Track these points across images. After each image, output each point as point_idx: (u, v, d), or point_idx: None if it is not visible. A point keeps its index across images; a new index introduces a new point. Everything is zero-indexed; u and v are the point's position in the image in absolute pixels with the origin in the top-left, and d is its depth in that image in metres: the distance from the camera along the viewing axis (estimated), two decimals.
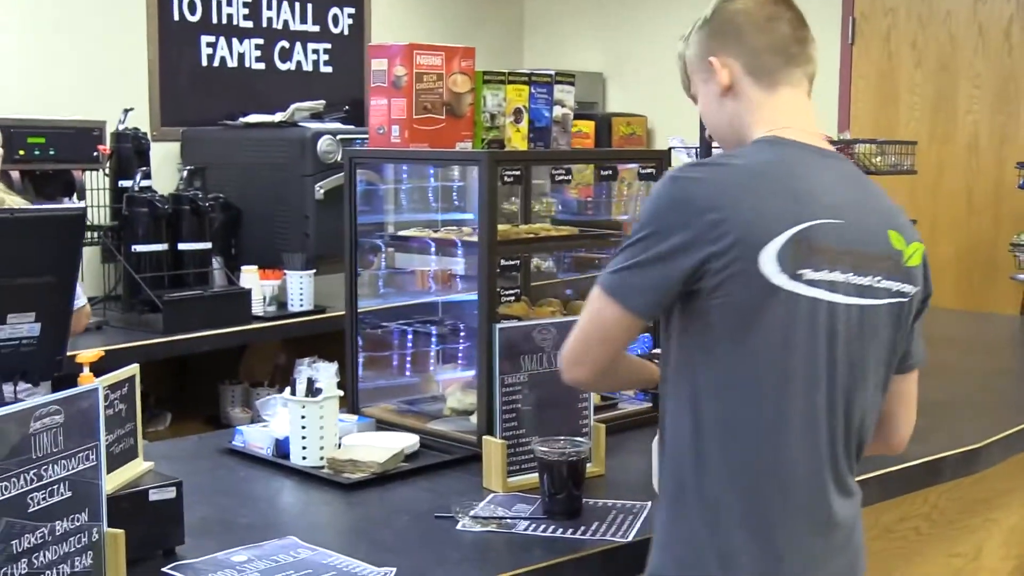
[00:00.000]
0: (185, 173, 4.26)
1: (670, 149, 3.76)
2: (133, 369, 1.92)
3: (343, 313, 4.11)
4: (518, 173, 2.43)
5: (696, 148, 3.49)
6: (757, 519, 1.68)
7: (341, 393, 2.40)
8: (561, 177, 2.60)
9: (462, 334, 2.81)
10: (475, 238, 2.48)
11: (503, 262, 2.42)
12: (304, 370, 2.36)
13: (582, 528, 2.02)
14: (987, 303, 5.12)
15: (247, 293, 4.10)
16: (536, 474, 2.13)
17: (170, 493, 1.86)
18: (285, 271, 4.22)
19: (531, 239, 2.64)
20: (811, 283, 1.67)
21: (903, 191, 4.88)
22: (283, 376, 4.56)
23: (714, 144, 1.96)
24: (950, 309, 4.92)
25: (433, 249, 2.76)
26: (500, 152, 2.54)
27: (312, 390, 2.33)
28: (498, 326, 2.23)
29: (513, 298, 2.53)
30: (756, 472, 1.68)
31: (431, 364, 2.94)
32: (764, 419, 1.68)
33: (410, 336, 2.95)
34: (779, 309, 1.66)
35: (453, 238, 2.62)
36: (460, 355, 2.84)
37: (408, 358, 2.97)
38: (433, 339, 2.90)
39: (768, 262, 1.64)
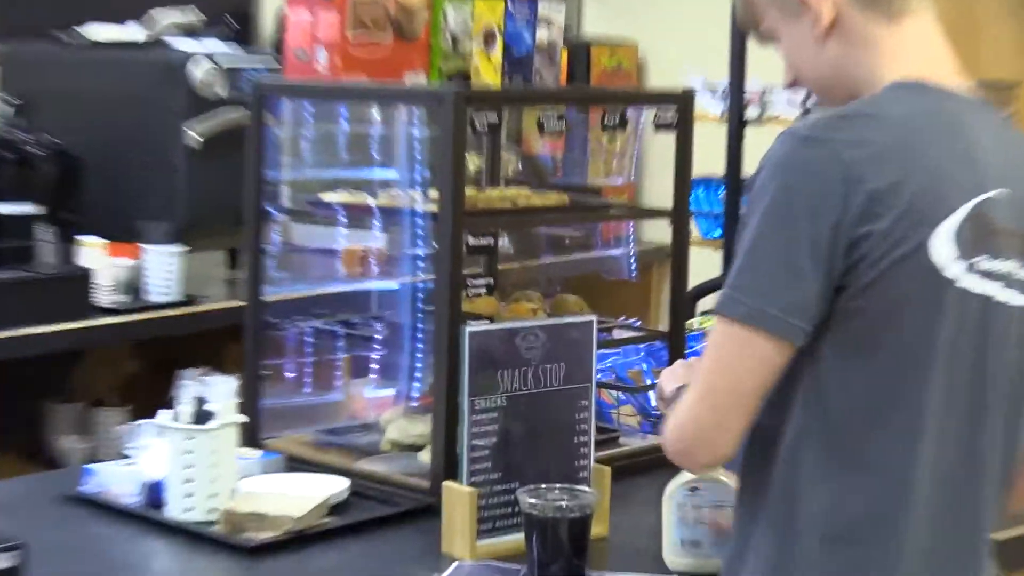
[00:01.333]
0: (5, 106, 4.18)
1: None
2: None
3: (225, 305, 4.14)
4: (494, 119, 2.40)
5: (725, 88, 3.48)
6: None
7: (243, 419, 2.36)
8: (552, 126, 2.57)
9: (382, 336, 2.78)
10: (430, 207, 2.45)
11: (471, 240, 2.37)
12: (189, 386, 2.31)
13: None
14: None
15: (88, 276, 4.01)
16: (520, 535, 2.10)
17: (9, 561, 1.80)
18: (143, 246, 4.14)
19: (509, 210, 2.61)
20: (987, 275, 1.69)
21: None
22: (136, 393, 4.48)
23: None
24: None
25: (344, 219, 2.73)
26: (472, 89, 2.52)
27: (201, 414, 2.28)
28: (468, 329, 2.19)
29: (484, 290, 2.48)
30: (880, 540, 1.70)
31: (338, 377, 2.90)
32: (893, 463, 1.69)
33: (315, 339, 2.90)
34: (948, 312, 1.67)
35: (402, 206, 2.57)
36: (378, 366, 2.80)
37: (310, 368, 2.93)
38: (342, 342, 2.86)
39: (943, 245, 1.65)
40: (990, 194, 1.69)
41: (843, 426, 1.69)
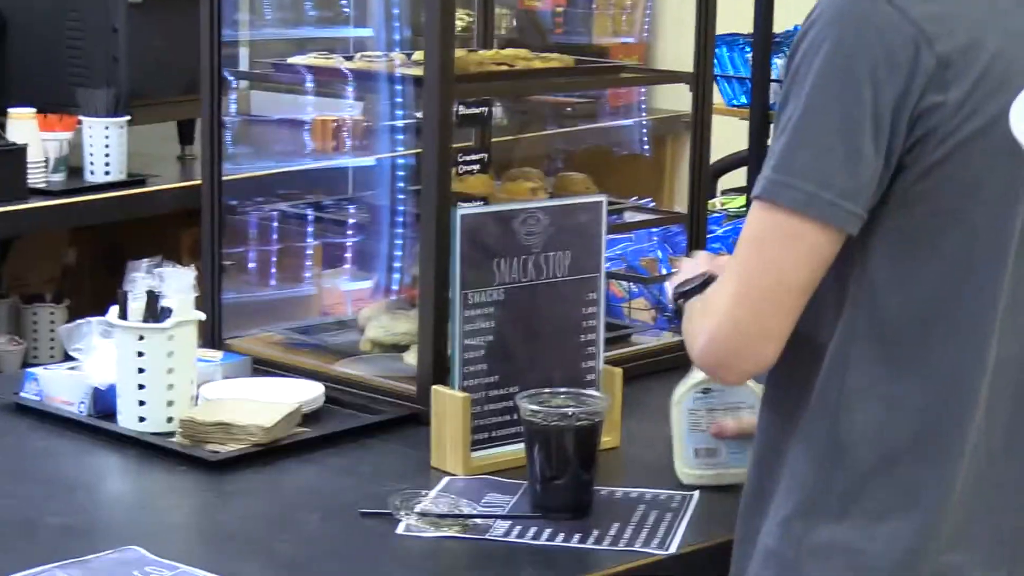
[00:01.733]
0: None
1: None
2: None
3: (177, 186, 4.13)
4: None
5: None
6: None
7: (201, 316, 2.36)
8: None
9: (356, 221, 2.81)
10: (414, 70, 2.42)
11: (462, 110, 2.36)
12: (140, 279, 2.31)
13: (595, 533, 2.00)
14: None
15: (18, 153, 3.99)
16: (519, 447, 2.12)
17: None
18: (81, 118, 4.12)
19: (505, 72, 2.59)
20: None
21: None
22: (76, 286, 4.49)
23: None
24: None
25: (311, 85, 2.72)
26: None
27: (155, 310, 2.28)
28: (459, 211, 2.19)
29: (477, 167, 2.48)
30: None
31: (307, 268, 2.91)
32: (968, 374, 1.69)
33: (280, 226, 2.91)
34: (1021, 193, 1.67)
35: (378, 70, 2.55)
36: (352, 254, 2.81)
37: (274, 258, 2.94)
38: (312, 228, 2.87)
39: (1021, 117, 1.61)
40: None
41: (899, 327, 1.69)
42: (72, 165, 4.13)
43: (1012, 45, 1.65)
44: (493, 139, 2.98)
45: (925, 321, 1.68)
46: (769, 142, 1.77)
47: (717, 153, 2.94)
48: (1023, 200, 1.67)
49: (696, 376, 2.13)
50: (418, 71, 2.38)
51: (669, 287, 1.99)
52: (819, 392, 1.72)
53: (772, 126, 1.74)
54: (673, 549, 1.96)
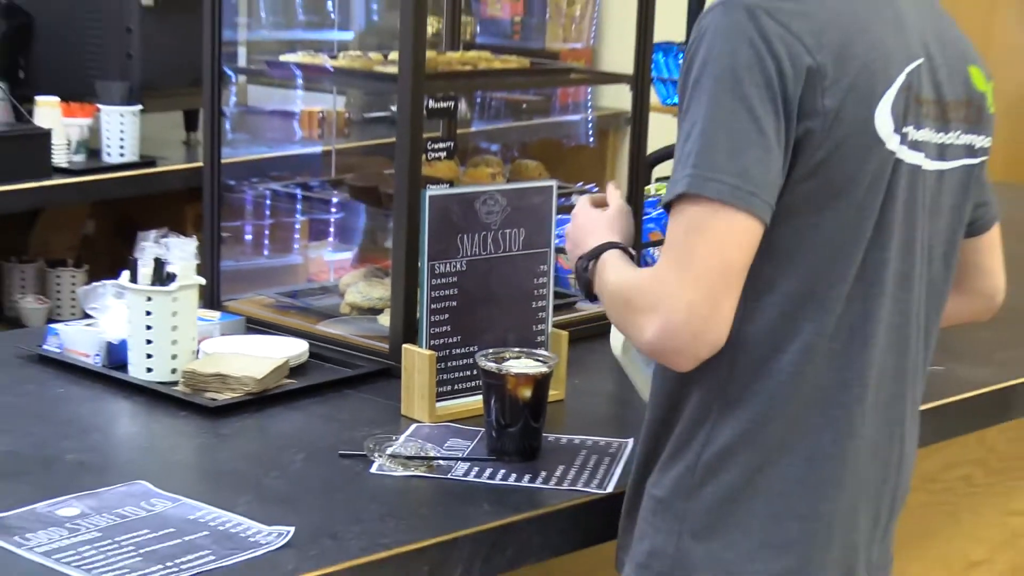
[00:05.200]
0: None
1: None
2: None
3: (183, 167, 4.10)
4: None
5: None
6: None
7: (202, 281, 2.34)
8: None
9: (339, 200, 2.78)
10: (389, 68, 2.40)
11: (431, 104, 2.35)
12: (149, 248, 2.29)
13: (543, 474, 2.00)
14: None
15: (44, 136, 3.96)
16: (478, 398, 2.11)
17: None
18: (99, 106, 4.09)
19: (469, 72, 2.58)
20: (914, 145, 1.69)
21: None
22: (94, 253, 4.46)
23: None
24: (1001, 182, 4.96)
25: (300, 81, 2.70)
26: None
27: (162, 275, 2.26)
28: (428, 192, 2.17)
29: (444, 154, 2.46)
30: (824, 402, 1.71)
31: (295, 240, 2.89)
32: (844, 333, 1.69)
33: (272, 202, 2.89)
34: (883, 185, 1.66)
35: (356, 67, 2.53)
36: (335, 229, 2.80)
37: (268, 231, 2.92)
38: (300, 205, 2.85)
39: (885, 117, 1.64)
40: (917, 62, 1.69)
41: (796, 289, 1.66)
42: (91, 147, 4.11)
43: (873, 52, 1.64)
44: (458, 130, 2.96)
45: (818, 282, 1.66)
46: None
47: (653, 145, 2.92)
48: (889, 187, 1.67)
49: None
50: (393, 69, 2.35)
51: (565, 258, 1.93)
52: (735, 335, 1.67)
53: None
54: (610, 488, 1.96)
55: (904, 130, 1.67)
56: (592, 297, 1.89)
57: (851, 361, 1.70)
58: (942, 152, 1.75)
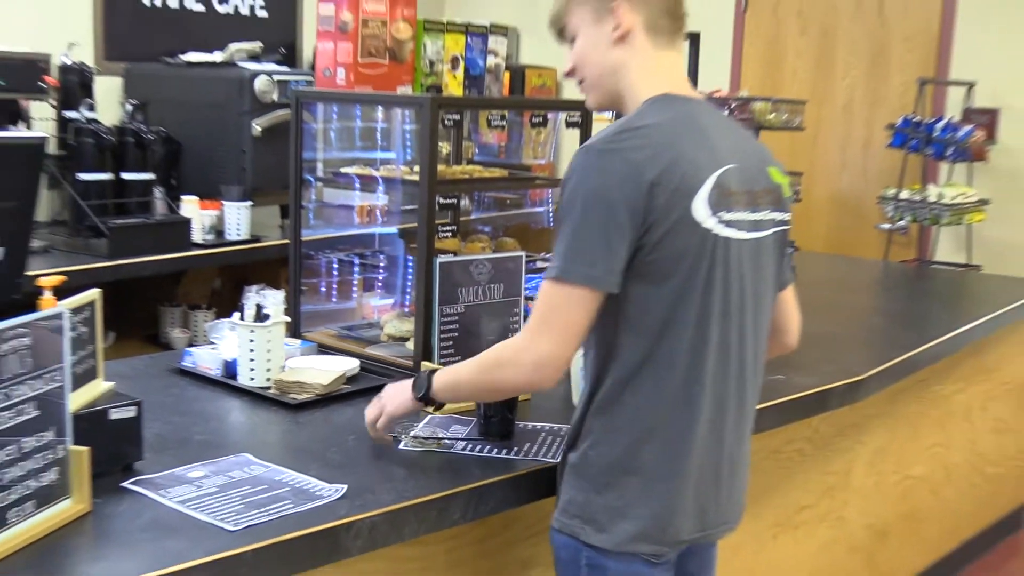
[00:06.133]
0: (128, 107, 4.08)
1: None
2: (94, 294, 1.82)
3: (278, 243, 4.10)
4: (457, 117, 2.35)
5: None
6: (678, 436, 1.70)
7: (288, 319, 2.32)
8: (496, 123, 2.52)
9: (383, 264, 2.76)
10: (415, 177, 2.39)
11: (441, 200, 2.34)
12: (252, 296, 2.28)
13: (515, 449, 1.98)
14: (854, 249, 5.20)
15: (187, 222, 3.94)
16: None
17: (131, 412, 1.77)
18: (223, 202, 4.07)
19: (467, 180, 2.57)
20: (727, 223, 1.67)
21: (784, 146, 4.89)
22: (219, 300, 4.44)
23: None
24: (823, 253, 4.98)
25: (358, 185, 2.68)
26: (443, 97, 2.45)
27: (260, 315, 2.25)
28: (438, 260, 2.16)
29: (450, 234, 2.46)
30: (676, 400, 1.68)
31: (354, 291, 2.88)
32: (686, 352, 1.67)
33: (338, 265, 2.88)
34: (709, 253, 1.65)
35: (396, 176, 2.52)
36: (380, 283, 2.78)
37: (335, 285, 2.90)
38: (357, 268, 2.83)
39: (701, 207, 1.63)
40: (724, 168, 1.67)
41: (645, 332, 1.65)
42: (218, 229, 4.09)
43: (689, 166, 1.63)
44: (460, 218, 2.95)
45: (662, 326, 1.65)
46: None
47: None
48: (708, 254, 1.65)
49: None
50: (417, 178, 2.35)
51: (396, 395, 1.90)
52: (605, 367, 1.70)
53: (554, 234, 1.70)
54: (559, 459, 1.92)
55: (718, 214, 1.65)
56: (440, 406, 1.89)
57: (689, 376, 1.68)
58: (756, 225, 1.73)
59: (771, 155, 1.83)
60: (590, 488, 1.72)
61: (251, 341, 2.25)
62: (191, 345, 3.55)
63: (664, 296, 1.64)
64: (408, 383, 1.88)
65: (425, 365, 2.17)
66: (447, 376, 1.82)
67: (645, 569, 1.72)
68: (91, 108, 3.88)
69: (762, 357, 1.82)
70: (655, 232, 1.60)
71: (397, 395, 1.90)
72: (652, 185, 1.59)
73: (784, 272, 1.87)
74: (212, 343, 2.47)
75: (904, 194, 4.80)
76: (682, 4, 1.78)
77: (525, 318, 2.43)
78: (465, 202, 3.29)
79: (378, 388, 2.30)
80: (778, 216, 1.78)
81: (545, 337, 1.63)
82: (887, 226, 4.89)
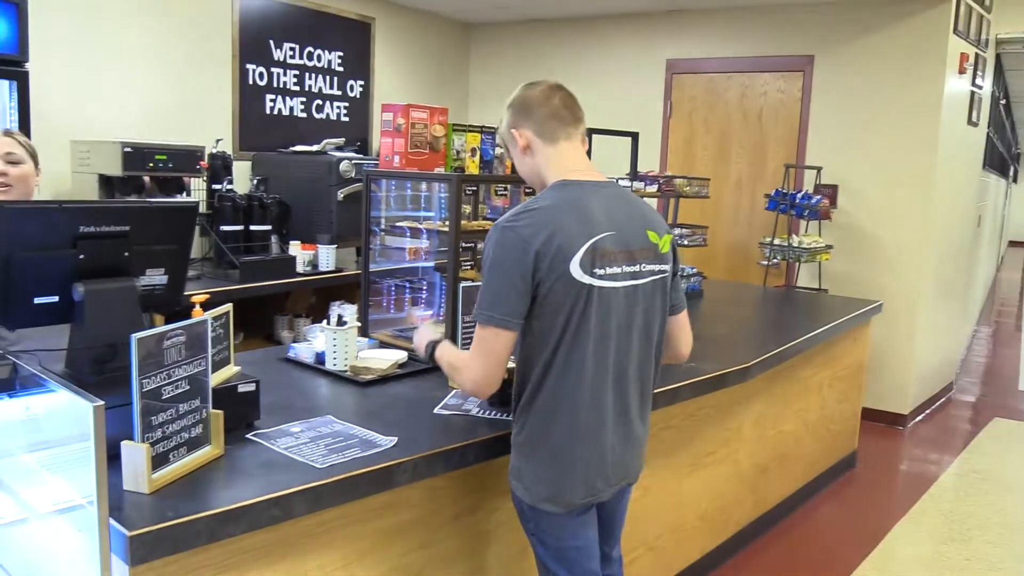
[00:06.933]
0: (255, 181, 4.10)
1: None
2: (228, 307, 1.81)
3: (357, 272, 4.07)
4: (475, 188, 2.34)
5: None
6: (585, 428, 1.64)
7: (359, 324, 2.30)
8: (501, 192, 2.51)
9: (424, 288, 2.74)
10: (446, 228, 2.39)
11: (463, 244, 2.33)
12: (335, 309, 2.29)
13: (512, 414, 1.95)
14: (743, 277, 5.18)
15: (293, 258, 3.93)
16: None
17: (252, 387, 1.77)
18: (317, 245, 4.06)
19: (481, 230, 2.54)
20: (602, 277, 1.60)
21: (696, 208, 4.89)
22: (315, 311, 4.42)
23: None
24: (724, 280, 4.97)
25: (408, 234, 2.67)
26: (465, 175, 2.44)
27: (340, 322, 2.24)
28: (461, 285, 2.15)
29: (470, 266, 2.44)
30: (567, 399, 1.62)
31: (404, 306, 2.86)
32: (574, 366, 1.61)
33: (394, 288, 2.86)
34: (584, 298, 1.59)
35: (434, 228, 2.51)
36: (422, 301, 2.76)
37: (392, 301, 2.89)
38: (407, 290, 2.82)
39: (575, 268, 1.57)
40: (598, 236, 1.59)
41: (546, 354, 1.60)
42: (313, 264, 4.07)
43: (567, 237, 1.57)
44: (477, 256, 2.93)
45: (555, 348, 1.60)
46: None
47: None
48: (587, 303, 1.58)
49: None
50: (447, 229, 2.34)
51: (419, 343, 1.87)
52: (529, 370, 1.64)
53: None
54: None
55: (594, 271, 1.58)
56: (433, 362, 1.81)
57: (578, 382, 1.61)
58: (634, 275, 1.64)
59: (656, 220, 1.70)
60: (521, 459, 1.67)
61: (334, 339, 2.24)
62: (295, 342, 3.54)
63: (555, 328, 1.59)
64: (425, 342, 1.83)
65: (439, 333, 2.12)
66: (440, 354, 1.77)
67: (555, 518, 1.66)
68: (230, 182, 3.88)
69: (648, 366, 1.71)
70: (544, 286, 1.55)
71: (419, 345, 1.87)
72: (537, 253, 1.54)
73: (675, 303, 1.76)
74: (308, 340, 2.46)
75: (777, 241, 4.79)
76: (569, 106, 1.67)
77: None
78: (480, 245, 3.27)
79: (421, 372, 2.29)
80: (656, 267, 1.67)
81: (478, 363, 1.59)
82: (765, 262, 4.88)
